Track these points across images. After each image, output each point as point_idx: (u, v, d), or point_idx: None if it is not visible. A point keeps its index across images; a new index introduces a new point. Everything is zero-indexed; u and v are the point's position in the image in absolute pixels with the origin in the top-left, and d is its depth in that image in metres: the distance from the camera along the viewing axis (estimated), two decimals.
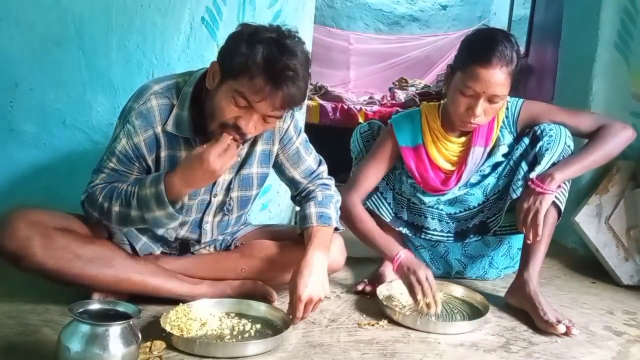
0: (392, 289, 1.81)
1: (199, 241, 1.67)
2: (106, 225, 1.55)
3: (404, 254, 1.72)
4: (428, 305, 1.61)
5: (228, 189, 1.61)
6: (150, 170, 1.50)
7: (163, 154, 1.49)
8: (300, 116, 1.67)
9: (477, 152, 1.83)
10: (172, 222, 1.44)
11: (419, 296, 1.62)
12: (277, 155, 1.65)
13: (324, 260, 1.52)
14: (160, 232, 1.43)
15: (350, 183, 1.91)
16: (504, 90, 1.67)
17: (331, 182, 1.74)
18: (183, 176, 1.37)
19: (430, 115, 1.88)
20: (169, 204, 1.38)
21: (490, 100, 1.68)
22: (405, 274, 1.67)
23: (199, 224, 1.63)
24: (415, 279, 1.64)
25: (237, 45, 1.32)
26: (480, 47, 1.66)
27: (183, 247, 1.69)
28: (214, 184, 1.57)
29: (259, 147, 1.61)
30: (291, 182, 1.71)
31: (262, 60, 1.29)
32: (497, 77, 1.63)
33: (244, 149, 1.58)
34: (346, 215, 1.80)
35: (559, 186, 1.71)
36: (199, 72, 1.50)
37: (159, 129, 1.46)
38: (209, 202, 1.60)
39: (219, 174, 1.37)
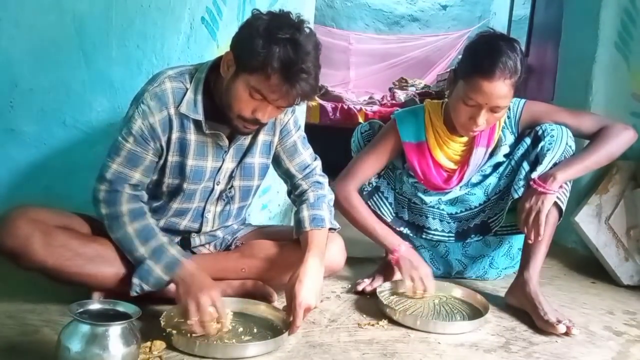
0: (391, 289, 1.81)
1: (199, 231, 1.67)
2: (101, 222, 1.55)
3: (404, 247, 1.81)
4: (414, 294, 1.77)
5: (230, 177, 1.63)
6: (163, 151, 1.51)
7: (174, 136, 1.51)
8: (300, 115, 1.68)
9: (479, 153, 1.83)
10: (151, 286, 1.45)
11: (411, 290, 1.77)
12: (275, 147, 1.68)
13: (321, 268, 1.53)
14: (135, 281, 1.45)
15: (346, 172, 1.92)
16: (507, 102, 1.67)
17: (324, 179, 1.75)
18: (189, 276, 1.43)
19: (434, 113, 1.88)
20: (171, 275, 1.44)
21: (493, 110, 1.67)
22: (407, 268, 1.77)
23: (202, 212, 1.65)
24: (417, 276, 1.76)
25: (253, 42, 1.35)
26: (484, 58, 1.64)
27: (183, 244, 1.69)
28: (217, 171, 1.58)
29: (261, 138, 1.63)
30: (286, 175, 1.73)
31: (279, 63, 1.33)
32: (500, 89, 1.63)
33: (247, 138, 1.61)
34: (342, 204, 1.82)
35: (561, 186, 1.71)
36: (210, 61, 1.54)
37: (172, 111, 1.49)
38: (212, 190, 1.61)
39: (188, 305, 1.39)
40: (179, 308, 1.42)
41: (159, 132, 1.49)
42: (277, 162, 1.72)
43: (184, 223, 1.65)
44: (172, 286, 1.47)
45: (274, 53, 1.33)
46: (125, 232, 1.46)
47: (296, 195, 1.72)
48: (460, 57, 1.81)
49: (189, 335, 1.36)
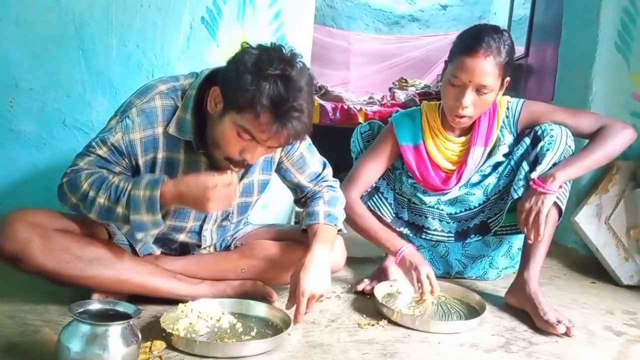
0: (390, 289, 1.82)
1: (199, 246, 1.68)
2: (105, 226, 1.55)
3: (407, 249, 1.79)
4: (422, 296, 1.72)
5: None
6: (137, 170, 1.46)
7: (160, 155, 1.46)
8: None
9: (477, 152, 1.83)
10: (155, 229, 1.39)
11: (418, 292, 1.72)
12: (280, 162, 1.64)
13: (328, 257, 1.52)
14: (139, 236, 1.39)
15: (348, 179, 1.92)
16: (491, 80, 1.68)
17: (336, 184, 1.74)
18: (177, 191, 1.34)
19: (431, 114, 1.89)
20: (159, 211, 1.34)
21: (479, 90, 1.69)
22: (408, 269, 1.75)
23: (199, 231, 1.63)
24: (416, 276, 1.72)
25: (241, 78, 1.28)
26: (468, 38, 1.71)
27: (183, 248, 1.69)
28: None
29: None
30: (296, 187, 1.70)
31: (269, 100, 1.26)
32: (483, 66, 1.65)
33: None
34: (347, 212, 1.81)
35: (560, 186, 1.71)
36: (202, 75, 1.47)
37: (159, 130, 1.44)
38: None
39: (210, 208, 1.34)
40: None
41: (138, 150, 1.43)
42: (285, 176, 1.67)
43: (182, 237, 1.63)
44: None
45: (263, 90, 1.25)
46: (99, 205, 1.37)
47: (308, 197, 1.70)
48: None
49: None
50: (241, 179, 1.58)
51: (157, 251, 1.63)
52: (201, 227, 1.62)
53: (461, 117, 1.74)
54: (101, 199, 1.37)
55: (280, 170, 1.66)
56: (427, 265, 1.78)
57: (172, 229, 1.60)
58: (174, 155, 1.48)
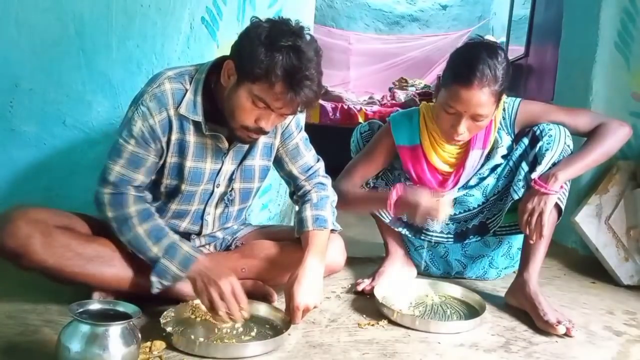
0: (390, 289, 1.81)
1: (199, 233, 1.68)
2: (107, 224, 1.55)
3: (396, 190, 1.71)
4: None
5: (230, 179, 1.63)
6: (164, 151, 1.51)
7: (174, 137, 1.51)
8: (301, 116, 1.68)
9: (475, 155, 1.83)
10: (170, 282, 1.47)
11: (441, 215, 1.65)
12: (277, 150, 1.68)
13: (320, 267, 1.54)
14: (154, 279, 1.46)
15: (343, 174, 1.92)
16: (487, 110, 1.65)
17: (327, 180, 1.75)
18: (201, 268, 1.46)
19: (429, 116, 1.88)
20: (183, 273, 1.46)
21: (474, 118, 1.67)
22: (409, 207, 1.68)
23: (202, 215, 1.65)
24: (420, 209, 1.65)
25: (255, 50, 1.35)
26: (462, 66, 1.64)
27: None
28: (217, 174, 1.58)
29: (262, 140, 1.62)
30: (289, 177, 1.73)
31: (282, 70, 1.34)
32: (479, 97, 1.61)
33: None
34: (344, 203, 1.80)
35: (561, 186, 1.71)
36: (210, 62, 1.54)
37: (171, 112, 1.49)
38: (212, 192, 1.61)
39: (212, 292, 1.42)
40: (203, 303, 1.44)
41: (159, 133, 1.48)
42: (279, 164, 1.72)
43: (184, 225, 1.65)
44: (182, 285, 1.49)
45: (277, 61, 1.33)
46: (136, 233, 1.46)
47: (299, 196, 1.72)
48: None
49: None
50: (242, 161, 1.62)
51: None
52: (204, 210, 1.64)
53: (456, 141, 1.74)
54: (141, 230, 1.47)
55: (276, 159, 1.70)
56: (421, 193, 1.67)
57: (175, 215, 1.62)
58: (184, 137, 1.52)
